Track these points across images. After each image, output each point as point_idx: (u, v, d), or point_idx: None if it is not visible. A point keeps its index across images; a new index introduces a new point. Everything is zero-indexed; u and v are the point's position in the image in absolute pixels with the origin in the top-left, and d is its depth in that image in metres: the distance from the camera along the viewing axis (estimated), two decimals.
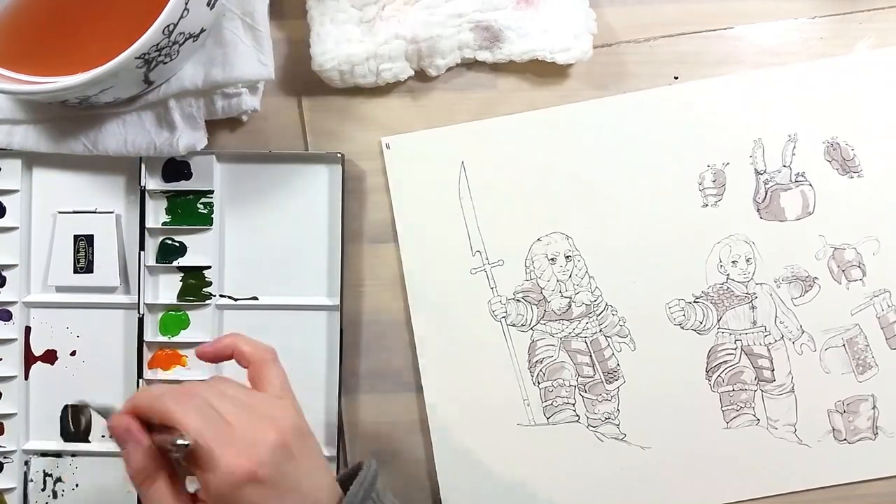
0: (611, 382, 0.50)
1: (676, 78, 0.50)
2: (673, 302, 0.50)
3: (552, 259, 0.50)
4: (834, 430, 0.50)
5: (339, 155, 0.49)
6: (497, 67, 0.50)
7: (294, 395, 0.40)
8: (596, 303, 0.50)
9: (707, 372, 0.50)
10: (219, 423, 0.35)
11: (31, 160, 0.50)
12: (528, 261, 0.50)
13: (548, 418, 0.50)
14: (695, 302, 0.50)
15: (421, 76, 0.50)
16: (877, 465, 0.50)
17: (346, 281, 0.50)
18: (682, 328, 0.50)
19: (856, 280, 0.50)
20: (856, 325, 0.50)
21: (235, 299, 0.50)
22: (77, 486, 0.51)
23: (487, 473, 0.50)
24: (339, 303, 0.49)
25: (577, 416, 0.50)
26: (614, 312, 0.50)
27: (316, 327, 0.50)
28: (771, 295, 0.50)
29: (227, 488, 0.34)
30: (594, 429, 0.50)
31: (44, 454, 0.51)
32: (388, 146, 0.50)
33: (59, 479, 0.51)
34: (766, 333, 0.50)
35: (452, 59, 0.49)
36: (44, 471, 0.51)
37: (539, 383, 0.50)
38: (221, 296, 0.50)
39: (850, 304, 0.50)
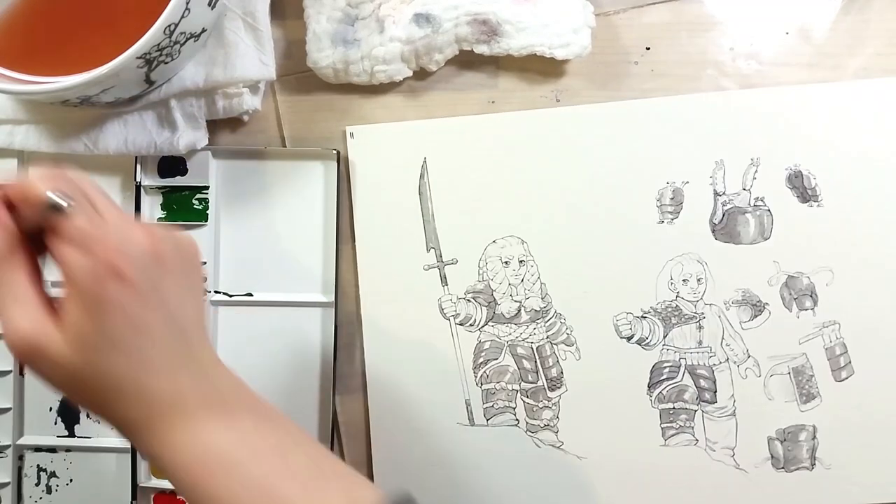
0: (553, 390, 0.50)
1: (648, 48, 0.50)
2: (621, 315, 0.50)
3: (506, 262, 0.50)
4: (773, 457, 0.50)
5: (334, 152, 0.49)
6: (497, 66, 0.50)
7: None
8: (545, 309, 0.50)
9: (649, 387, 0.50)
10: (93, 212, 0.32)
11: (28, 156, 0.50)
12: (482, 262, 0.50)
13: (487, 420, 0.50)
14: (642, 317, 0.50)
15: (419, 75, 0.50)
16: (812, 496, 0.49)
17: (341, 278, 0.50)
18: (628, 342, 0.50)
19: (807, 309, 0.50)
20: (803, 354, 0.50)
21: (230, 295, 0.50)
22: (71, 480, 0.51)
23: (422, 469, 0.50)
24: (333, 300, 0.49)
25: (517, 420, 0.50)
26: (563, 321, 0.50)
27: (311, 324, 0.50)
28: (719, 316, 0.50)
29: (91, 279, 0.31)
30: (532, 434, 0.50)
31: (38, 449, 0.51)
32: (351, 135, 0.50)
33: (53, 474, 0.51)
34: (711, 354, 0.50)
35: (451, 52, 0.49)
36: (38, 466, 0.51)
37: (482, 385, 0.50)
38: (216, 292, 0.50)
39: (799, 333, 0.50)
